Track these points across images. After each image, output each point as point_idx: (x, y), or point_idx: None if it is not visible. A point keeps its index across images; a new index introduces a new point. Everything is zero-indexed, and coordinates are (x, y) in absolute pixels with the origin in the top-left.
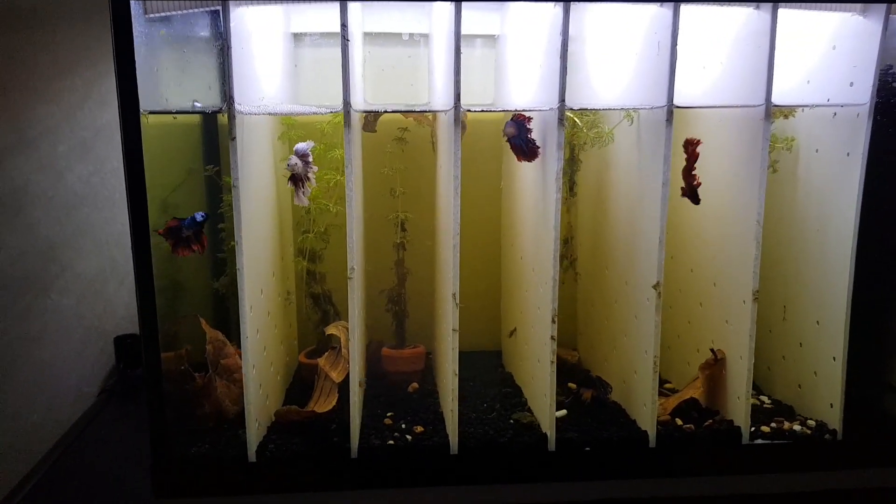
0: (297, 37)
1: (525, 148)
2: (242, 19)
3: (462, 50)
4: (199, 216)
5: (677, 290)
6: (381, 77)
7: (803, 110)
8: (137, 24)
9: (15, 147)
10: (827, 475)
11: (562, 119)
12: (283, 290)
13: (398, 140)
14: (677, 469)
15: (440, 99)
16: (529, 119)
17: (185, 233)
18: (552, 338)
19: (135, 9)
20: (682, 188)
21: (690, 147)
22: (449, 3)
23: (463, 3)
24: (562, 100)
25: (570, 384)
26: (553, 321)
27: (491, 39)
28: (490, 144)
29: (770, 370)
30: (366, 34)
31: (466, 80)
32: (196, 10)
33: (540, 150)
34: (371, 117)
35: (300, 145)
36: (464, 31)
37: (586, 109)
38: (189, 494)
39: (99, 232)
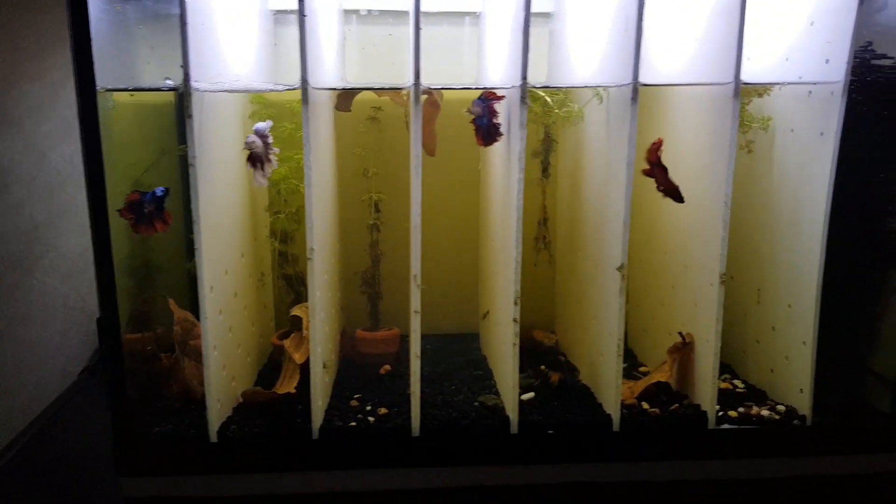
0: (281, 14)
1: (486, 130)
2: None
3: (439, 27)
4: (159, 191)
5: (651, 273)
6: (364, 56)
7: (780, 89)
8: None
9: None
10: (795, 461)
11: (524, 97)
12: (255, 271)
13: (371, 119)
14: (642, 453)
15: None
16: (499, 98)
17: (146, 208)
18: (514, 320)
19: None
20: (658, 188)
21: (654, 150)
22: None
23: None
24: (524, 77)
25: (542, 367)
26: (515, 303)
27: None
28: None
29: (745, 354)
30: (346, 11)
31: (448, 58)
32: None
33: (501, 134)
34: (344, 96)
35: (259, 125)
36: (442, 7)
37: (548, 87)
38: (151, 473)
39: (83, 212)
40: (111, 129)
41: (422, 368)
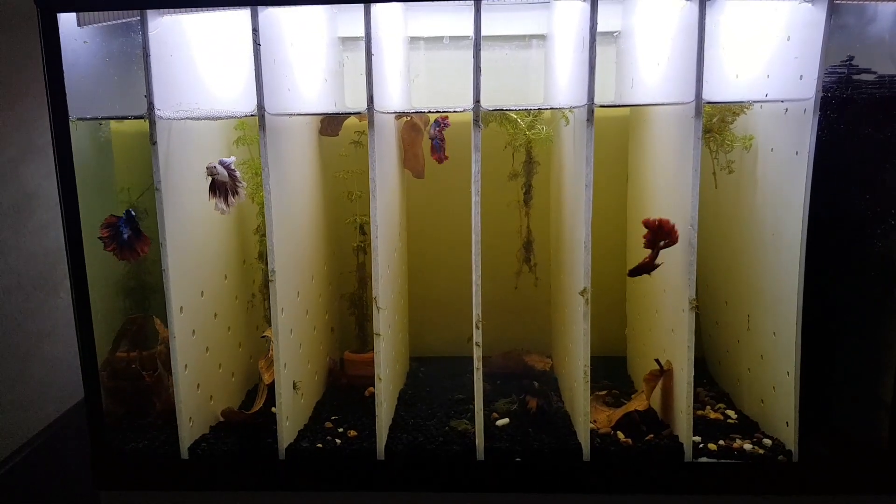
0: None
1: (437, 149)
2: (175, 28)
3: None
4: (129, 212)
5: (642, 297)
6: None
7: (762, 107)
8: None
9: (26, 155)
10: (778, 500)
11: (477, 120)
12: (243, 293)
13: (355, 143)
14: (613, 485)
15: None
16: (444, 119)
17: (124, 233)
18: (476, 344)
19: (65, 20)
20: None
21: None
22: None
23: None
24: (476, 100)
25: (529, 405)
26: (477, 327)
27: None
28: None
29: (739, 382)
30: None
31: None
32: (123, 20)
33: (446, 157)
34: (328, 121)
35: (224, 159)
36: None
37: (501, 109)
38: (127, 487)
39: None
40: (107, 156)
41: (405, 391)
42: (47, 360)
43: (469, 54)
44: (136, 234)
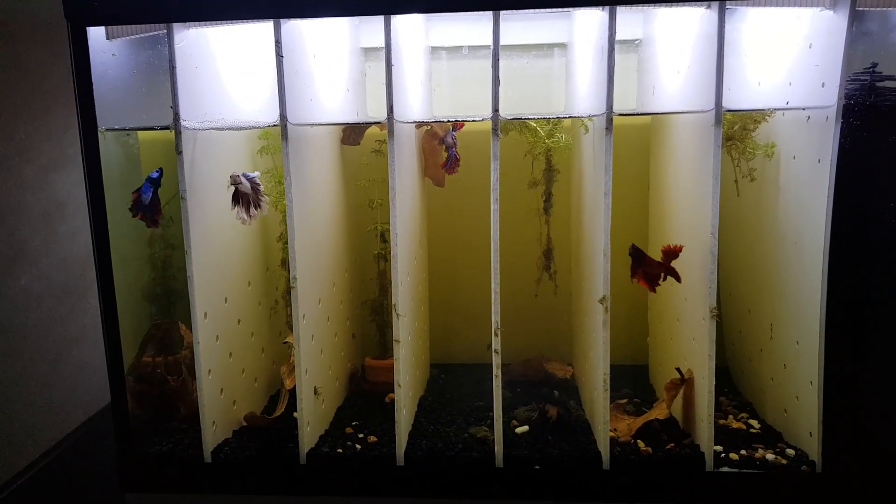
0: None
1: (450, 159)
2: (200, 40)
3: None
4: (154, 174)
5: (664, 305)
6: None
7: (784, 114)
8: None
9: (58, 163)
10: None
11: (495, 129)
12: (266, 299)
13: (376, 152)
14: (632, 494)
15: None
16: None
17: (145, 200)
18: (495, 351)
19: (94, 33)
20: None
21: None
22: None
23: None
24: (495, 110)
25: (550, 413)
26: (496, 334)
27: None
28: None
29: (763, 392)
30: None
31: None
32: (150, 33)
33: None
34: (350, 131)
35: (248, 174)
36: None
37: (520, 118)
38: (151, 490)
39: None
40: (136, 165)
41: (425, 398)
42: (76, 364)
43: (489, 63)
44: (154, 197)
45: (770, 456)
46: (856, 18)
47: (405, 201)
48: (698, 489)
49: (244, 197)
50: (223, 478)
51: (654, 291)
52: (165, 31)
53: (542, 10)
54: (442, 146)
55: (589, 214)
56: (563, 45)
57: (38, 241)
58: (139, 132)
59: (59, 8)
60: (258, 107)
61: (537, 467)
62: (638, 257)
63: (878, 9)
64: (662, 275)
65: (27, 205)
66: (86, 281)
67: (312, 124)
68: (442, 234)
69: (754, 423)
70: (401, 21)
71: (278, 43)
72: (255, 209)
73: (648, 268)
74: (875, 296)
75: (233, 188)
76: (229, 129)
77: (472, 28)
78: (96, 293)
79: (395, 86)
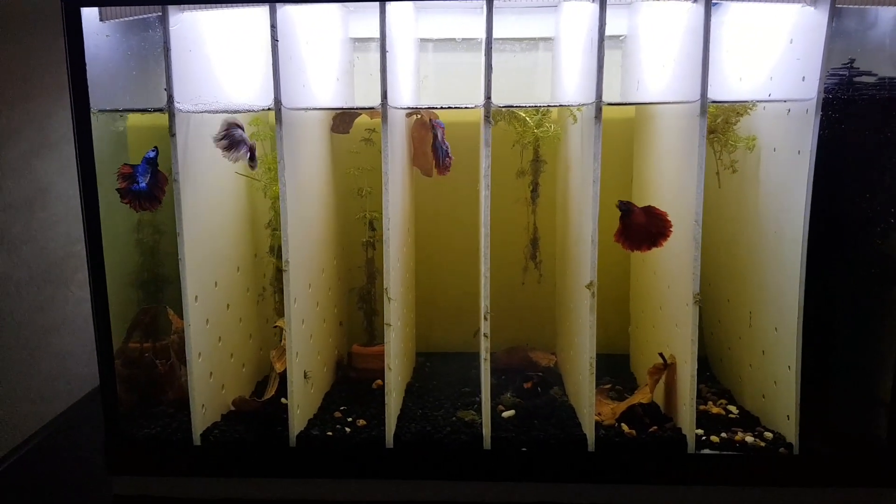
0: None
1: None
2: (193, 24)
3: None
4: (150, 153)
5: (646, 293)
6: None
7: (764, 108)
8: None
9: (40, 150)
10: (779, 491)
11: (488, 116)
12: (255, 285)
13: (366, 141)
14: (618, 475)
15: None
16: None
17: (140, 180)
18: (485, 335)
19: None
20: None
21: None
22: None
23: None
24: (488, 97)
25: (526, 384)
26: (485, 318)
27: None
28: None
29: (741, 378)
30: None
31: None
32: (143, 15)
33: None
34: (339, 118)
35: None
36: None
37: (512, 106)
38: (139, 472)
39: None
40: (122, 150)
41: (412, 384)
42: (56, 353)
43: (475, 57)
44: (154, 177)
45: (749, 439)
46: (834, 15)
47: (396, 189)
48: (681, 470)
49: (241, 143)
50: (212, 460)
51: (639, 249)
52: (156, 14)
53: (534, 2)
54: (430, 135)
55: (576, 203)
56: (547, 39)
57: (18, 228)
58: (129, 117)
59: None
60: (248, 91)
61: (524, 449)
62: (627, 211)
63: (856, 6)
64: (647, 235)
65: (8, 191)
66: (67, 269)
67: (307, 108)
68: (424, 225)
69: (733, 408)
70: (394, 10)
71: (274, 27)
72: (253, 160)
73: (637, 219)
74: (851, 283)
75: (224, 133)
76: (223, 111)
77: (458, 20)
78: (78, 282)
79: (389, 72)
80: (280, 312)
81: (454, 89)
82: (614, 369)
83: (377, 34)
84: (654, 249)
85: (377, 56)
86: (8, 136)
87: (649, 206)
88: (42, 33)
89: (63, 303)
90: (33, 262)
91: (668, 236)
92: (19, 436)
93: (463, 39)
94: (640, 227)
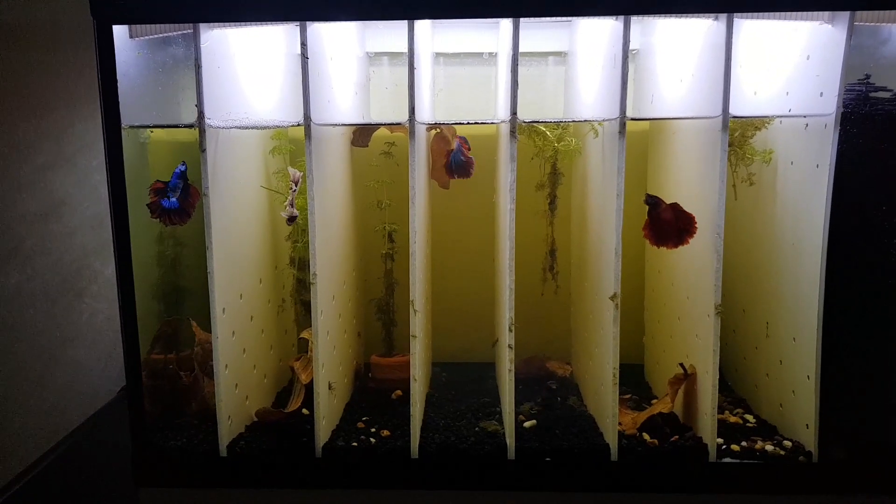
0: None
1: (461, 164)
2: (223, 41)
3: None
4: (180, 168)
5: (663, 304)
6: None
7: (781, 122)
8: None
9: (56, 162)
10: (800, 499)
11: (513, 131)
12: (276, 297)
13: (385, 154)
14: (641, 484)
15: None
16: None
17: (171, 195)
18: (510, 346)
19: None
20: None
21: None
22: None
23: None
24: (513, 112)
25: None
26: (510, 330)
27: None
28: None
29: (757, 388)
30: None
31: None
32: (173, 33)
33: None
34: (359, 132)
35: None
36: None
37: (537, 122)
38: (166, 484)
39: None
40: (144, 165)
41: (431, 394)
42: (70, 365)
43: (488, 71)
44: (185, 192)
45: (769, 447)
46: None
47: (422, 200)
48: (703, 479)
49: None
50: (239, 472)
51: (665, 245)
52: (184, 31)
53: (557, 18)
54: (448, 147)
55: (597, 215)
56: (559, 54)
57: (33, 240)
58: (150, 133)
59: (64, 9)
60: (269, 108)
61: (548, 459)
62: (654, 204)
63: (871, 24)
64: (675, 231)
65: (23, 203)
66: (81, 281)
67: (334, 124)
68: (440, 235)
69: (749, 417)
70: (419, 26)
71: (304, 45)
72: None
73: (664, 214)
74: (870, 294)
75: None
76: (253, 127)
77: (469, 35)
78: (92, 293)
79: (417, 88)
80: (299, 323)
81: (458, 103)
82: (628, 379)
83: (391, 49)
84: (673, 260)
85: (390, 70)
86: (24, 149)
87: (675, 203)
88: (60, 47)
89: (78, 315)
90: (48, 275)
91: (694, 234)
92: (35, 448)
93: (469, 55)
94: (668, 223)
